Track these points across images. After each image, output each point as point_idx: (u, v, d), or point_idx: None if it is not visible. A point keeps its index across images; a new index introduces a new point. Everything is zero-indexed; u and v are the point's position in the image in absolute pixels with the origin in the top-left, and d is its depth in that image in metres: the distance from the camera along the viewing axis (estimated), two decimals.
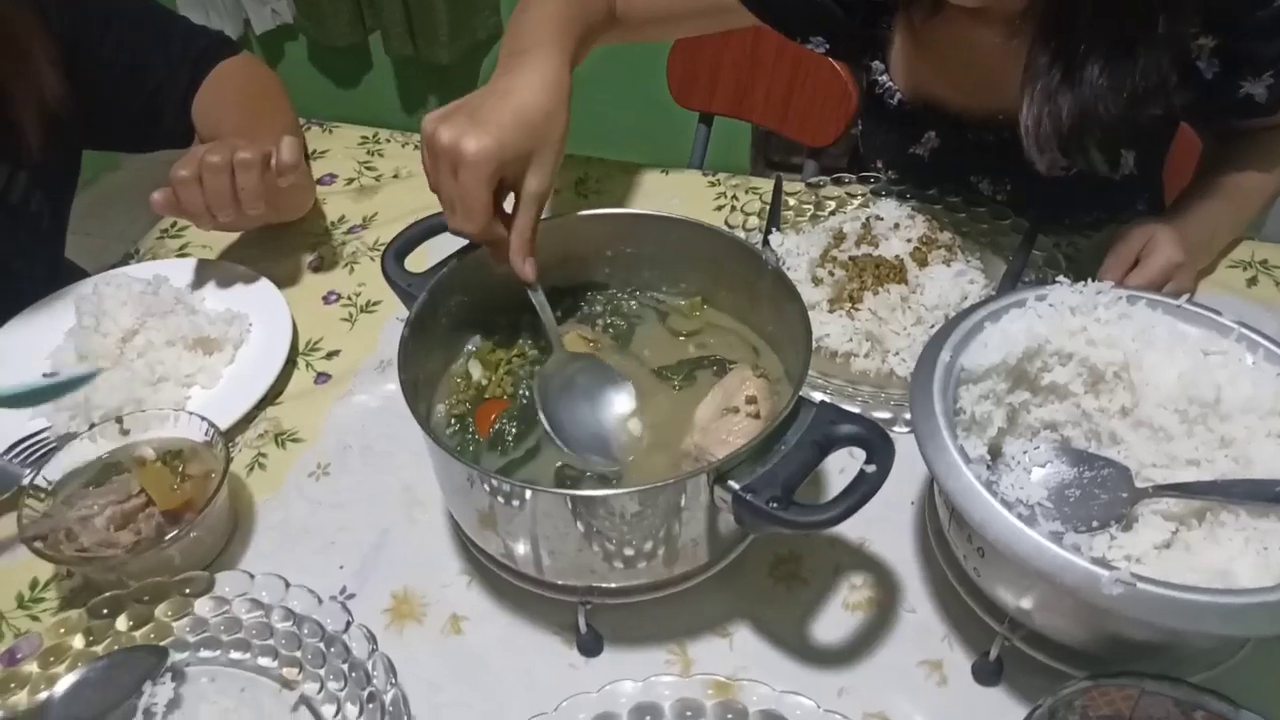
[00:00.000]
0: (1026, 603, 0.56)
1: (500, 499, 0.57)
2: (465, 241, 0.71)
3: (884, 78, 0.96)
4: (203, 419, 0.70)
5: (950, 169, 0.96)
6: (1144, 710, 0.51)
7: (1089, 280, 0.65)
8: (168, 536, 0.63)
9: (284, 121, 1.05)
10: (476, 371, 0.70)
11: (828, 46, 0.95)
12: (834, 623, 0.64)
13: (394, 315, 0.88)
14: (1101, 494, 0.60)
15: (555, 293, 0.74)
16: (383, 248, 0.93)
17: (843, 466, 0.71)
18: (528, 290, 0.67)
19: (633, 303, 0.76)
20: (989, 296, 0.79)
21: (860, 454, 0.55)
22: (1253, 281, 0.87)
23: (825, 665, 0.62)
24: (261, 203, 0.85)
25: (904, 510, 0.70)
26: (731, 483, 0.54)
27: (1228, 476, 0.58)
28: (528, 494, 0.56)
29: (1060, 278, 0.66)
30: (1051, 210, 0.90)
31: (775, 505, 0.53)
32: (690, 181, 1.03)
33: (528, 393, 0.68)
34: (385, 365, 0.83)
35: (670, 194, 1.01)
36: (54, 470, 0.67)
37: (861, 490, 0.53)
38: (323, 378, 0.83)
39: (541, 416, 0.64)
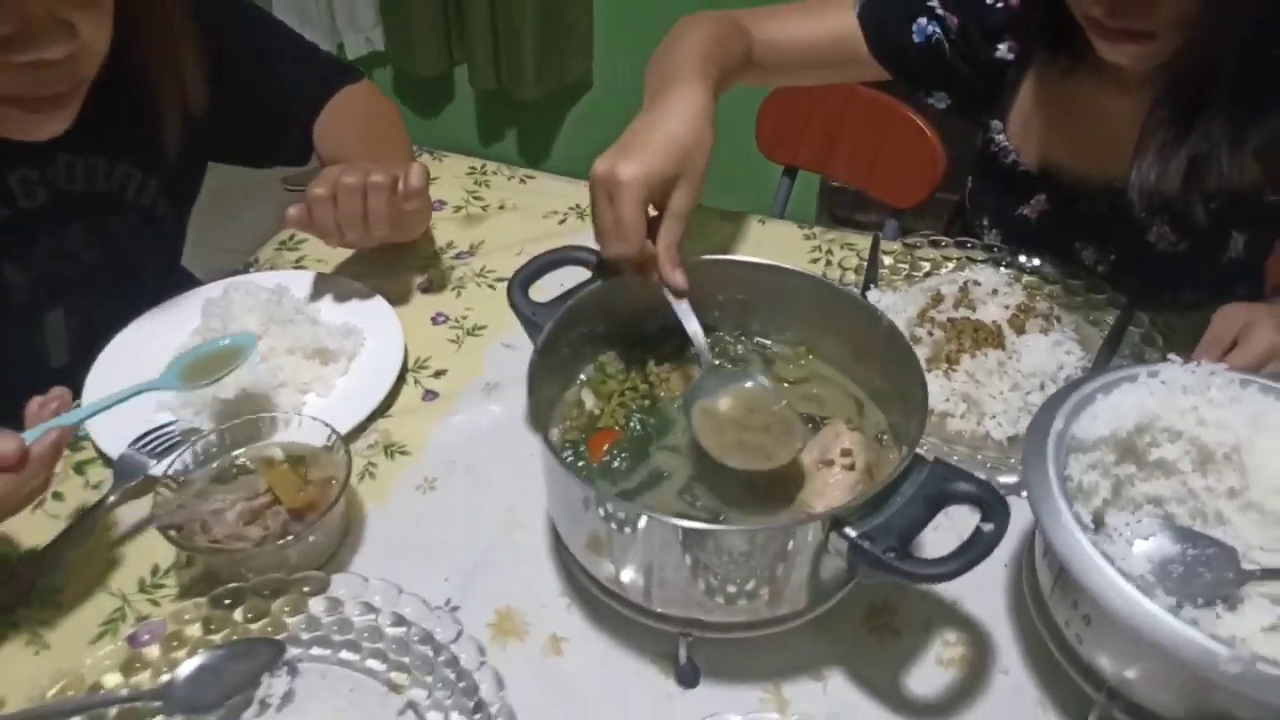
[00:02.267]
0: (1131, 673, 0.57)
1: (616, 524, 0.59)
2: (587, 276, 0.74)
3: (1000, 137, 0.99)
4: (326, 425, 0.73)
5: (1056, 234, 0.98)
6: None
7: (1200, 361, 0.66)
8: (293, 533, 0.66)
9: (401, 147, 1.10)
10: (589, 401, 0.73)
11: (949, 103, 0.99)
12: (927, 677, 0.65)
13: (499, 341, 0.91)
14: (1206, 573, 0.60)
15: (664, 331, 0.77)
16: (489, 274, 0.99)
17: None
18: (674, 303, 0.71)
19: (740, 347, 0.79)
20: (1099, 369, 0.80)
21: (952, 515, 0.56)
22: None
23: (918, 718, 0.63)
24: (388, 224, 0.89)
25: (997, 571, 0.71)
26: (849, 530, 0.56)
27: None
28: (644, 521, 0.58)
29: (1171, 356, 0.67)
30: (1152, 286, 0.92)
31: (892, 555, 0.55)
32: (786, 233, 1.06)
33: (639, 426, 0.71)
34: (490, 388, 0.86)
35: (766, 244, 1.04)
36: (184, 464, 0.70)
37: (979, 548, 0.54)
38: (430, 395, 0.86)
39: (692, 424, 0.67)
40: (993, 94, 0.98)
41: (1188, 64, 0.76)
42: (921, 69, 0.98)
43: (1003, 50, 0.97)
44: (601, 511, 0.60)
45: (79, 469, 0.78)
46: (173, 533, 0.65)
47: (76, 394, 0.84)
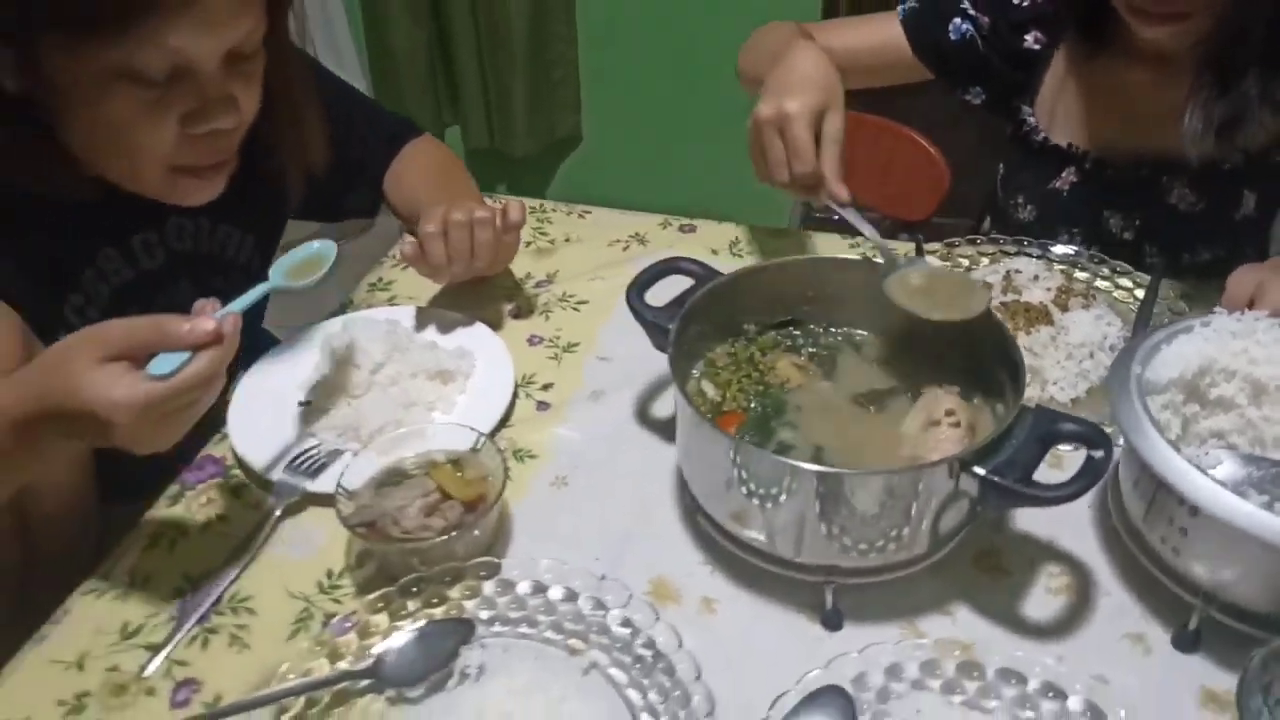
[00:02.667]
0: (1227, 573, 0.66)
1: (760, 480, 0.68)
2: (688, 285, 0.83)
3: (1031, 119, 1.13)
4: (472, 429, 0.81)
5: (1086, 204, 1.12)
6: None
7: (1244, 310, 0.77)
8: (466, 524, 0.73)
9: (471, 191, 1.19)
10: (710, 389, 0.81)
11: (984, 97, 1.14)
12: (1040, 605, 0.73)
13: (593, 355, 1.00)
14: (1275, 489, 0.70)
15: (765, 327, 0.86)
16: (570, 298, 1.08)
17: None
18: (843, 211, 0.88)
19: (829, 337, 0.88)
20: (1140, 333, 0.90)
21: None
22: None
23: (1041, 638, 0.71)
24: (490, 255, 0.98)
25: (1083, 513, 0.80)
26: (977, 470, 0.65)
27: None
28: (789, 470, 0.66)
29: (1217, 308, 0.78)
30: (1174, 248, 1.04)
31: (1021, 484, 0.64)
32: (832, 244, 1.16)
33: (759, 407, 0.79)
34: (595, 395, 0.94)
35: (822, 251, 1.14)
36: (351, 478, 0.77)
37: (1093, 472, 0.63)
38: (543, 405, 0.94)
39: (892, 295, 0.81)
40: (1023, 82, 1.13)
41: (1222, 39, 0.91)
42: (959, 65, 1.13)
43: (1029, 40, 1.12)
44: (746, 470, 0.68)
45: (236, 493, 0.84)
46: (362, 530, 0.72)
47: (214, 427, 0.91)
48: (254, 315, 1.20)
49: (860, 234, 0.88)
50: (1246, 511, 0.61)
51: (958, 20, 1.11)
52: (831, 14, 2.38)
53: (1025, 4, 1.10)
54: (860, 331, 0.88)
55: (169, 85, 0.76)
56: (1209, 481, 0.63)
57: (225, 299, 1.09)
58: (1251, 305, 0.91)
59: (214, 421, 0.90)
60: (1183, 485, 0.64)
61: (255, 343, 1.16)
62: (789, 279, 0.86)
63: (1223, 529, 0.62)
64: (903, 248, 0.99)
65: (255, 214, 1.09)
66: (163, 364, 0.64)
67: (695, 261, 0.86)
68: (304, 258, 0.80)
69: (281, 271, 0.79)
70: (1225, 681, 0.67)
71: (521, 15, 2.45)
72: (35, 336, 0.85)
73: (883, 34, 1.14)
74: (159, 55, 0.73)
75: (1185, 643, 0.70)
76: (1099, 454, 0.64)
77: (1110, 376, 0.73)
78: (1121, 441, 0.72)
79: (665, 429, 0.90)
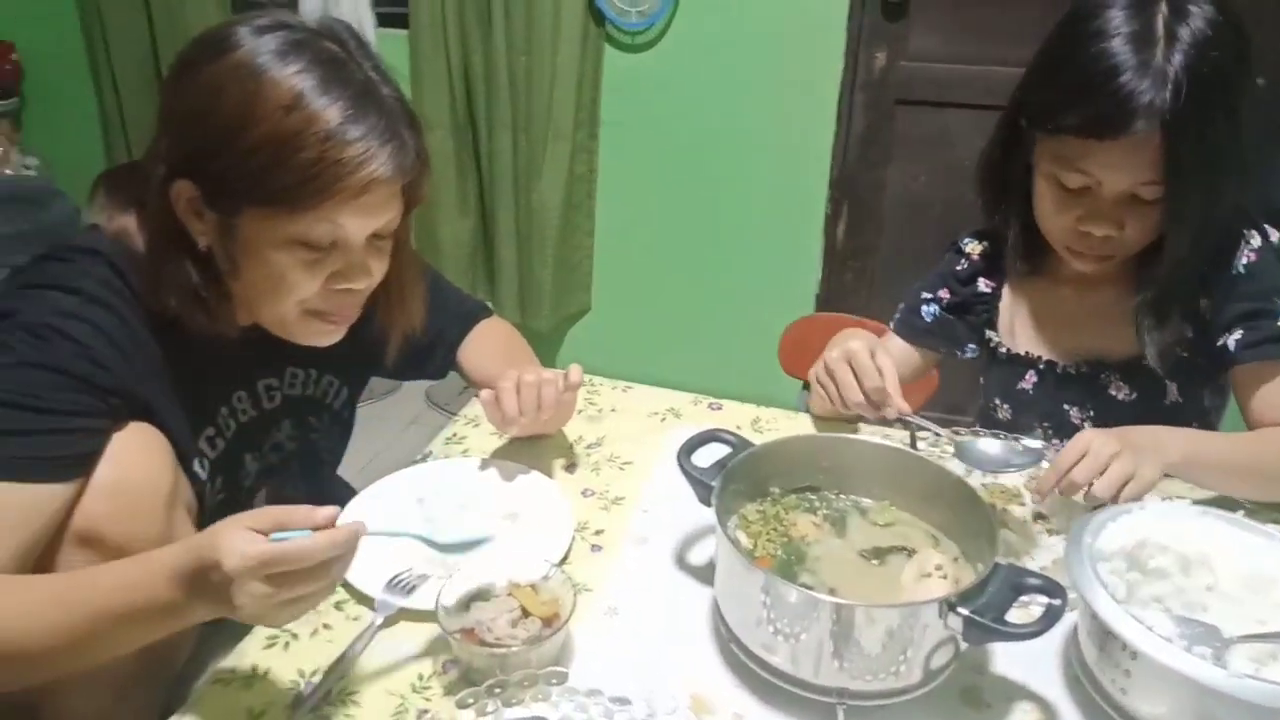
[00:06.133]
0: (1164, 709, 0.81)
1: (785, 606, 0.84)
2: (726, 452, 1.03)
3: (994, 335, 1.39)
4: (545, 561, 0.97)
5: (1048, 399, 1.35)
6: None
7: (1172, 498, 0.97)
8: (544, 636, 0.88)
9: (531, 359, 1.41)
10: (743, 538, 0.99)
11: (976, 351, 1.41)
12: None
13: (638, 508, 1.17)
14: (1203, 643, 0.87)
15: (788, 490, 1.05)
16: (617, 459, 1.27)
17: None
18: (908, 418, 1.12)
19: (841, 502, 1.06)
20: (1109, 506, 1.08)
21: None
22: None
23: None
24: (554, 411, 1.18)
25: (1050, 659, 0.95)
26: (961, 609, 0.82)
27: None
28: (808, 598, 0.83)
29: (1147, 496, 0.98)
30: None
31: (996, 622, 0.81)
32: (833, 426, 1.36)
33: (783, 554, 0.97)
34: (641, 540, 1.11)
35: (814, 428, 1.35)
36: (448, 596, 0.93)
37: (1052, 615, 0.81)
38: (596, 547, 1.10)
39: None
40: (987, 317, 1.39)
41: (1149, 266, 1.19)
42: (944, 336, 1.42)
43: (981, 285, 1.40)
44: (775, 601, 0.84)
45: (339, 607, 1.00)
46: (458, 635, 0.88)
47: None
48: (343, 449, 1.38)
49: (869, 440, 1.09)
50: (1178, 656, 0.78)
51: (924, 307, 1.42)
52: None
53: (964, 265, 1.41)
54: (866, 499, 1.06)
55: (326, 251, 0.98)
56: (1146, 630, 0.80)
57: (319, 437, 1.28)
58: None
59: None
60: (1125, 633, 0.81)
61: (330, 489, 1.34)
62: (808, 451, 1.06)
63: (1159, 671, 0.79)
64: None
65: (353, 369, 1.29)
66: (279, 537, 0.79)
67: (731, 433, 1.06)
68: (460, 540, 1.00)
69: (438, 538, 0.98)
70: None
71: (554, 212, 2.77)
72: (179, 462, 1.03)
73: (893, 348, 1.42)
74: (328, 230, 0.96)
75: None
76: (1057, 602, 0.82)
77: (1068, 545, 0.91)
78: (1074, 595, 0.90)
79: (699, 573, 1.06)
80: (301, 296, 1.00)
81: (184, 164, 0.94)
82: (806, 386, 1.92)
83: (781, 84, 2.57)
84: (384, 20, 2.80)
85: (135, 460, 0.96)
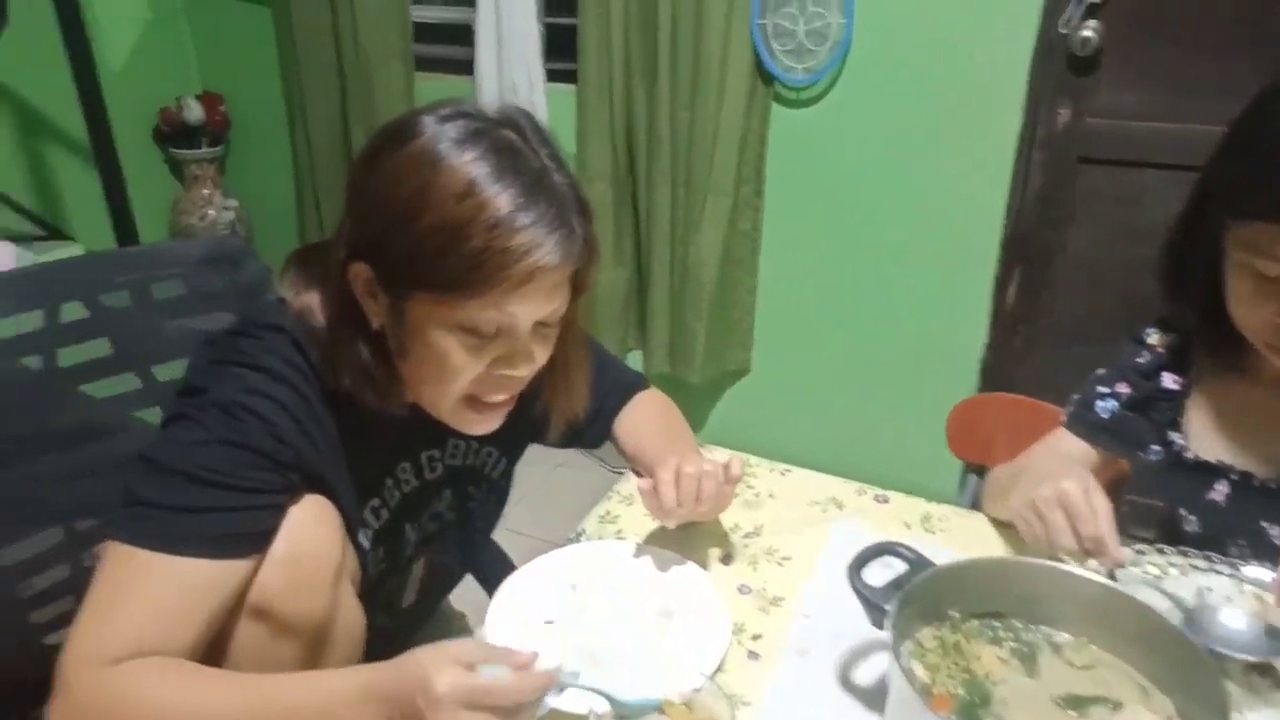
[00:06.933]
0: None
1: None
2: (903, 569, 0.95)
3: (1179, 439, 1.23)
4: (702, 674, 0.92)
5: (1243, 514, 1.18)
6: None
7: None
8: None
9: (687, 439, 1.36)
10: (919, 670, 0.90)
11: (1160, 453, 1.24)
12: None
13: (799, 611, 1.10)
14: None
15: (969, 615, 0.96)
16: (775, 553, 1.20)
17: None
18: (1123, 568, 1.03)
19: (1031, 634, 0.96)
20: None
21: None
22: None
23: None
24: (713, 504, 1.13)
25: None
26: None
27: None
28: None
29: None
30: None
31: None
32: (1012, 534, 1.25)
33: (966, 693, 0.88)
34: (801, 652, 1.04)
35: (1000, 538, 1.24)
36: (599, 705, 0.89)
37: None
38: (753, 655, 1.04)
39: None
40: (1171, 417, 1.24)
41: None
42: (1124, 435, 1.27)
43: (1166, 381, 1.25)
44: None
45: None
46: None
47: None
48: (497, 518, 1.38)
49: (1065, 568, 0.98)
50: None
51: (1099, 402, 1.28)
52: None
53: (1147, 358, 1.26)
54: (1061, 634, 0.95)
55: (491, 337, 0.97)
56: None
57: (476, 506, 1.28)
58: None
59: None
60: None
61: (484, 557, 1.34)
62: (997, 576, 0.96)
63: None
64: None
65: (514, 441, 1.29)
66: (485, 672, 0.81)
67: (907, 548, 0.97)
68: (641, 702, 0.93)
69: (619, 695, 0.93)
70: None
71: (711, 266, 2.74)
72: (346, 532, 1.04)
73: (1064, 447, 1.30)
74: (494, 317, 0.95)
75: None
76: None
77: None
78: None
79: (867, 695, 0.98)
80: (463, 382, 1.00)
81: (363, 247, 0.97)
82: (973, 470, 1.80)
83: (953, 140, 2.45)
84: (553, 75, 2.87)
85: (308, 533, 0.98)
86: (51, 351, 1.16)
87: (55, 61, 2.43)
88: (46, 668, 0.86)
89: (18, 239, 2.36)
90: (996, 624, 0.97)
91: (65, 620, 1.19)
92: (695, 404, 3.03)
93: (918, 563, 0.96)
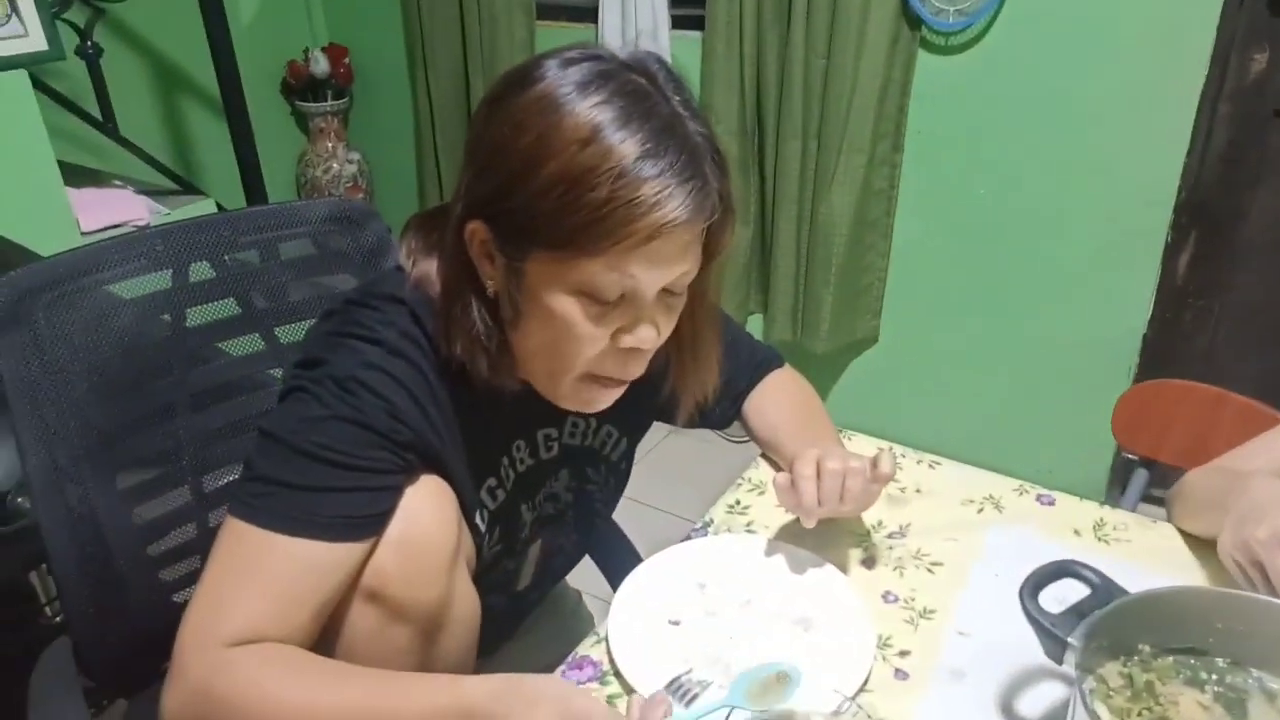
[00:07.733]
0: None
1: None
2: (1085, 593, 0.82)
3: None
4: (836, 691, 0.82)
5: None
6: None
7: None
8: None
9: (828, 427, 1.25)
10: (1104, 714, 0.78)
11: None
12: None
13: (952, 628, 0.99)
14: None
15: (1162, 651, 0.82)
16: (924, 557, 1.09)
17: None
18: None
19: (1239, 677, 0.82)
20: None
21: None
22: None
23: None
24: (857, 503, 1.02)
25: None
26: None
27: None
28: None
29: None
30: None
31: None
32: (1208, 544, 1.09)
33: None
34: (956, 674, 0.93)
35: (1194, 556, 1.08)
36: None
37: None
38: (900, 674, 0.94)
39: None
40: None
41: None
42: None
43: None
44: None
45: (611, 701, 0.91)
46: None
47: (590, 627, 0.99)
48: (617, 500, 1.31)
49: None
50: None
51: None
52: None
53: None
54: (1276, 680, 0.81)
55: (613, 304, 0.88)
56: None
57: (595, 488, 1.21)
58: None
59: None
60: None
61: (605, 541, 1.27)
62: (1198, 608, 0.82)
63: None
64: None
65: (636, 420, 1.21)
66: None
67: (1089, 568, 0.85)
68: (765, 676, 0.86)
69: (742, 692, 0.85)
70: None
71: (843, 228, 2.58)
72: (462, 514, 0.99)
73: None
74: (616, 280, 0.86)
75: None
76: None
77: None
78: None
79: None
80: (584, 355, 0.92)
81: (480, 204, 0.89)
82: (1143, 464, 1.62)
83: (1123, 92, 2.20)
84: (679, 22, 2.73)
85: (425, 516, 0.93)
86: (181, 311, 1.16)
87: (189, 17, 2.46)
88: (176, 624, 0.85)
89: (154, 193, 2.41)
90: (1195, 663, 0.83)
91: (192, 579, 1.21)
92: (817, 375, 2.88)
93: (1102, 588, 0.83)
